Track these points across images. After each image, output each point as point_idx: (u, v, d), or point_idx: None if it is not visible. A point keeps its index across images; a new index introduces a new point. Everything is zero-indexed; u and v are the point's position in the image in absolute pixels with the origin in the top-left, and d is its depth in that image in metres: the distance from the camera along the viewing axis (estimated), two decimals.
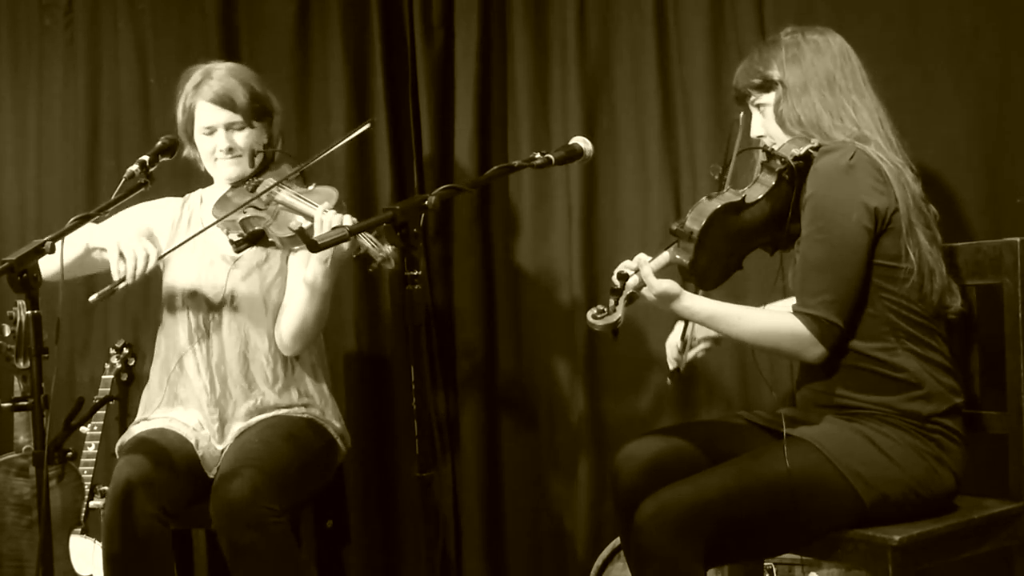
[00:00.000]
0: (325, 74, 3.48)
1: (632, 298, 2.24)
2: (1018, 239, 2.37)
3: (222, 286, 2.81)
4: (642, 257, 2.27)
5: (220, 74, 2.83)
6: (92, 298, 2.51)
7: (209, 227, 2.68)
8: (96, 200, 3.47)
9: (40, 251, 2.21)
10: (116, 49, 3.62)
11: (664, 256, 2.27)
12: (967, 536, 2.28)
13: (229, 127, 2.81)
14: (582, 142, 2.48)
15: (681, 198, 3.11)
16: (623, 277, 2.24)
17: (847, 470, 2.20)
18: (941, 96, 2.70)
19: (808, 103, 2.33)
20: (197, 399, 2.79)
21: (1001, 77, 2.65)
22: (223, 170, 2.83)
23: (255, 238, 2.52)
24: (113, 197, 2.41)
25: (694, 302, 2.26)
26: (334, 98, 3.46)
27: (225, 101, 2.80)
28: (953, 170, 2.65)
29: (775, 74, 2.36)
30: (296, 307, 2.77)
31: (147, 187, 2.46)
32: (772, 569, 2.78)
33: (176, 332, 2.84)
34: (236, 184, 2.83)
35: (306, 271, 2.73)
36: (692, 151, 3.09)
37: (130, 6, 3.60)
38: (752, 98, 2.41)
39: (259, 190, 2.74)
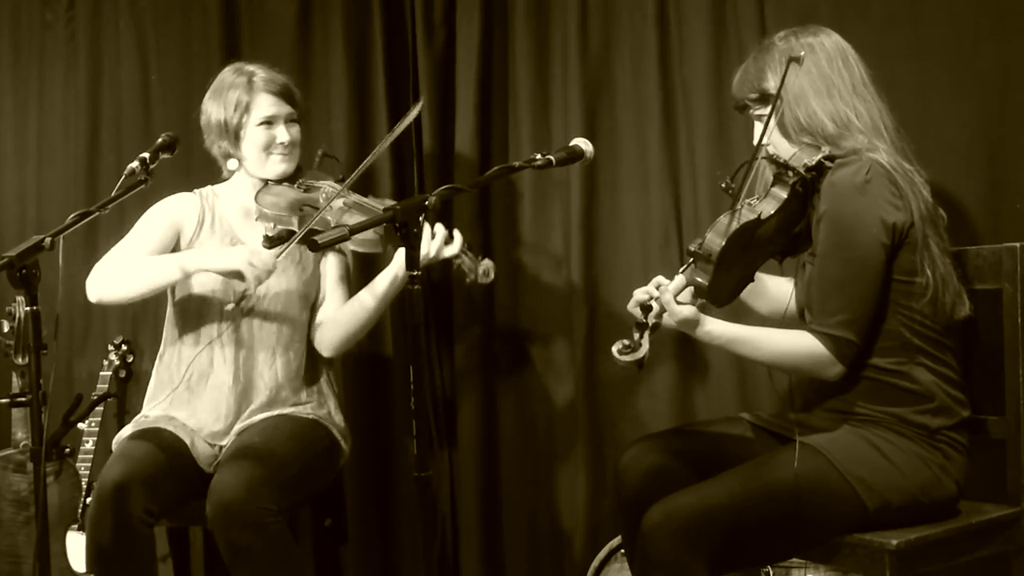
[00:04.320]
0: (326, 72, 3.47)
1: (655, 327, 2.21)
2: (1018, 244, 2.37)
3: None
4: (660, 281, 2.25)
5: (270, 70, 2.83)
6: (228, 307, 2.66)
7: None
8: (96, 197, 3.46)
9: (39, 247, 2.20)
10: (117, 46, 3.61)
11: (681, 279, 2.23)
12: (965, 541, 2.29)
13: (288, 120, 2.82)
14: (583, 143, 2.47)
15: (681, 199, 3.11)
16: (646, 309, 2.21)
17: (851, 476, 2.19)
18: (941, 98, 2.70)
19: (809, 110, 2.29)
20: (217, 390, 2.77)
21: (1002, 80, 2.64)
22: (274, 166, 2.81)
23: (286, 237, 2.49)
24: (113, 194, 2.41)
25: (715, 327, 2.24)
26: (335, 96, 3.45)
27: (286, 94, 2.82)
28: (953, 174, 2.65)
29: (771, 86, 2.32)
30: (348, 323, 2.81)
31: (147, 184, 2.45)
32: (769, 571, 2.78)
33: (200, 325, 2.80)
34: (278, 181, 2.82)
35: (365, 297, 2.77)
36: (693, 152, 3.08)
37: (131, 3, 3.60)
38: (751, 109, 2.38)
39: (327, 191, 2.74)
